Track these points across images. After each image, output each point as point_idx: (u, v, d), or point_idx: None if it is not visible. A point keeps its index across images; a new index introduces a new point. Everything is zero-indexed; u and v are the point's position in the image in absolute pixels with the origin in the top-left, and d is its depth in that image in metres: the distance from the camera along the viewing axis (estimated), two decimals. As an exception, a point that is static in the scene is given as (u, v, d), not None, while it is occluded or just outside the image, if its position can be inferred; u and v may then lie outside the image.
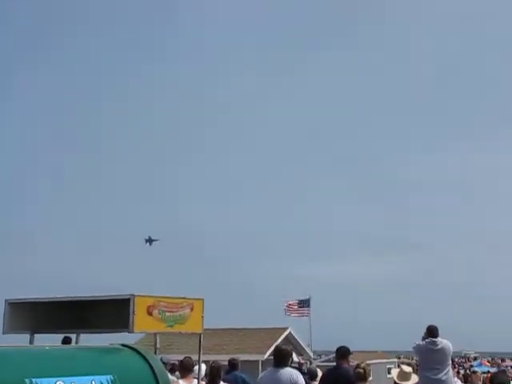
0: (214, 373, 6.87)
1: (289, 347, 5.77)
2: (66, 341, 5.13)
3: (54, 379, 2.57)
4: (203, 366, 7.42)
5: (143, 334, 8.12)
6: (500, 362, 31.46)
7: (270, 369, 5.30)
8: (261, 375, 5.39)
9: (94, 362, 2.96)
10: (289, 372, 5.05)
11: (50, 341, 3.57)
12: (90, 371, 2.76)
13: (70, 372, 2.69)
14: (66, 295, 3.81)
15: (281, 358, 5.20)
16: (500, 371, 7.10)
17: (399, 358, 21.18)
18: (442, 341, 6.80)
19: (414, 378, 5.65)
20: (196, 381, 6.40)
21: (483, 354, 49.34)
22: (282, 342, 17.43)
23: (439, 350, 6.71)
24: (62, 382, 2.59)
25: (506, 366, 17.06)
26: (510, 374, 12.17)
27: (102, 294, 3.75)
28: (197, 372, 6.55)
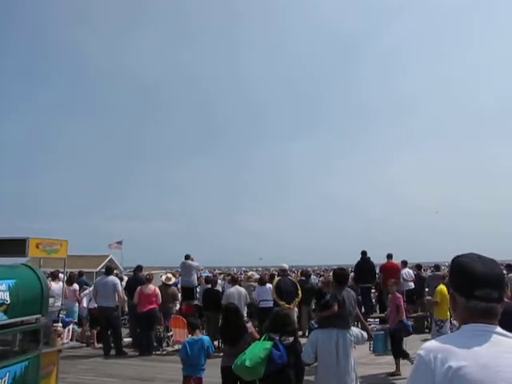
0: (71, 276, 11.17)
1: (113, 266, 10.23)
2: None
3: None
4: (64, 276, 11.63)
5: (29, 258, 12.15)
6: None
7: (102, 276, 9.61)
8: (97, 278, 9.72)
9: (4, 272, 4.67)
10: (112, 278, 9.41)
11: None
12: (2, 277, 4.51)
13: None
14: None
15: (109, 270, 9.53)
16: None
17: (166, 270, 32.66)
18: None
19: (173, 279, 10.40)
20: (61, 283, 10.51)
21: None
22: (107, 262, 31.00)
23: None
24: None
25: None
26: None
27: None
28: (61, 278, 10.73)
